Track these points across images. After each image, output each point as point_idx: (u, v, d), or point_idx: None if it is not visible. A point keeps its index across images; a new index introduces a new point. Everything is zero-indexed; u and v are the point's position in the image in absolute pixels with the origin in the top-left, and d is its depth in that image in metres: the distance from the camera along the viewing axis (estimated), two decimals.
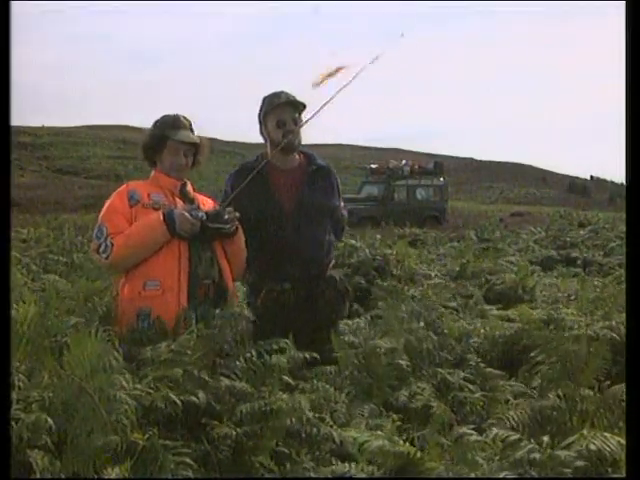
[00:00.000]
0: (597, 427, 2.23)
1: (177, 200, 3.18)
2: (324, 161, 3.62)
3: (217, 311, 2.85)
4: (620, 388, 2.41)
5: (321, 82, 3.29)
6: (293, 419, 2.18)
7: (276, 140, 3.42)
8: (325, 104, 3.31)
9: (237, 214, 3.18)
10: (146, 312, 2.94)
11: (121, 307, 3.01)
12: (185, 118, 3.24)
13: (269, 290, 3.29)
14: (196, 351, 2.41)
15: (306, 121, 3.44)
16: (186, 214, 3.06)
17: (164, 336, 2.73)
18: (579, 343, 2.90)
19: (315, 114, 3.38)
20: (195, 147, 3.24)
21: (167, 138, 3.16)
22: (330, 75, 3.29)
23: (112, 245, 3.02)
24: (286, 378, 2.48)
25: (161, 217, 3.03)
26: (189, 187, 3.28)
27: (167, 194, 3.18)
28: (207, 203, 3.32)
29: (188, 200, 3.21)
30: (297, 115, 3.45)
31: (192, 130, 3.25)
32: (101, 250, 3.05)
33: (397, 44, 3.45)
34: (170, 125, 3.18)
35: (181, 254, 3.07)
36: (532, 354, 2.98)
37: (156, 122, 3.22)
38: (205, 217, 3.10)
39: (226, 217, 3.13)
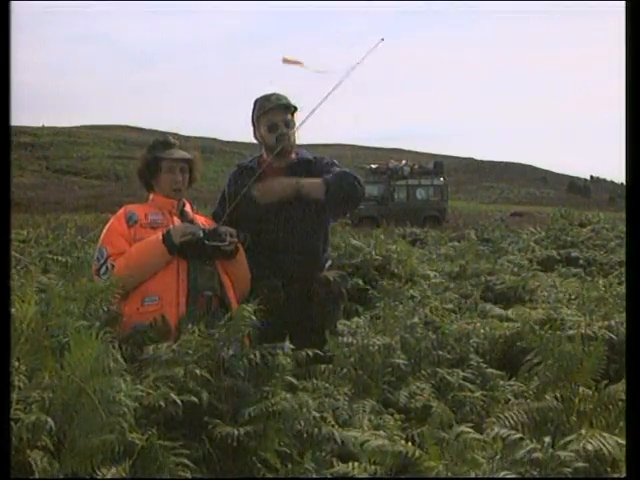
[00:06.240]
0: (595, 427, 2.23)
1: (175, 219, 3.21)
2: (311, 154, 3.60)
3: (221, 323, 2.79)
4: (618, 388, 2.41)
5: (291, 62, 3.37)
6: (296, 419, 2.17)
7: (269, 144, 3.44)
8: (312, 112, 3.33)
9: (234, 231, 3.17)
10: (144, 326, 2.86)
11: (120, 324, 2.93)
12: (174, 138, 3.32)
13: (262, 287, 3.27)
14: (198, 351, 2.41)
15: (296, 128, 3.45)
16: (182, 224, 3.12)
17: (164, 337, 2.72)
18: (576, 343, 2.89)
19: (302, 123, 3.41)
20: (189, 164, 3.29)
21: (161, 159, 3.23)
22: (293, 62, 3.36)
23: (112, 267, 3.04)
24: (289, 378, 2.47)
25: (160, 237, 3.06)
26: (187, 207, 3.32)
27: (165, 214, 3.21)
28: (207, 223, 3.32)
29: (187, 220, 3.24)
30: (289, 117, 3.45)
31: (181, 148, 3.31)
32: (101, 272, 3.07)
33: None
34: (161, 147, 3.26)
35: (179, 268, 3.08)
36: (529, 357, 2.98)
37: (147, 147, 3.31)
38: (202, 234, 3.09)
39: (223, 235, 3.12)
